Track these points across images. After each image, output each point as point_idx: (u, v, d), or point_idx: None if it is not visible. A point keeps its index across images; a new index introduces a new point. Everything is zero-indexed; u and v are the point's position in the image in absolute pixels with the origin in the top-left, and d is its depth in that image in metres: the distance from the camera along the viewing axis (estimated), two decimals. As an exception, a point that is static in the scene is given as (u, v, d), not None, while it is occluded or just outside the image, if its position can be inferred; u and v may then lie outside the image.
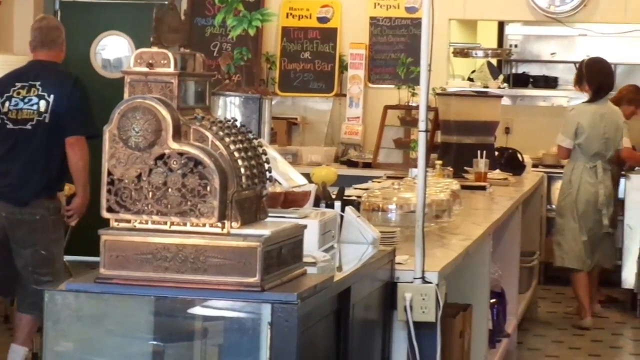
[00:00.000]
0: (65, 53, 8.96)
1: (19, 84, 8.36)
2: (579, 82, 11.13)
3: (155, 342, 4.43)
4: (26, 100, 8.27)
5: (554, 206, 12.77)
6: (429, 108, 5.76)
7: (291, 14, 14.04)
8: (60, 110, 8.32)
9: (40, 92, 8.30)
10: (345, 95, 14.01)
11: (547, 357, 9.66)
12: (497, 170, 10.65)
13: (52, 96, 8.29)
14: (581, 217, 11.26)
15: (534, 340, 10.14)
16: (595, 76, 10.87)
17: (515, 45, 14.45)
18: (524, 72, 14.36)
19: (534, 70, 14.13)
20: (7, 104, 8.29)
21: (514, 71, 14.20)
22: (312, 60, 14.08)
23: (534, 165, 11.81)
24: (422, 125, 5.71)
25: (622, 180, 12.29)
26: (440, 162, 9.76)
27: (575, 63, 12.84)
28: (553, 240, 11.42)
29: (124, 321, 4.43)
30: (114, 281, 4.17)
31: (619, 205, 12.06)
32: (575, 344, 10.21)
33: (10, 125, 8.29)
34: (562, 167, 12.03)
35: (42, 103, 8.27)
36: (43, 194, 8.64)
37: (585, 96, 11.66)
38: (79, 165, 8.43)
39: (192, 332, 4.49)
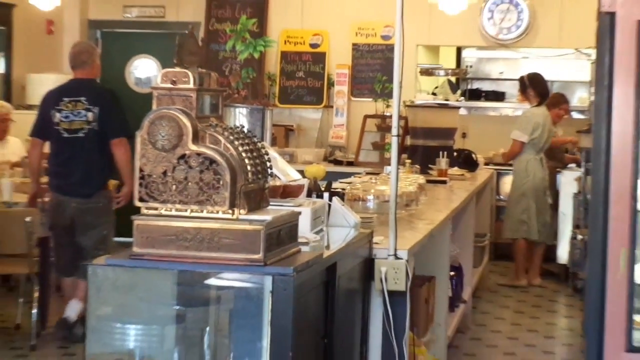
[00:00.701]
0: (100, 70, 9.04)
1: (66, 99, 8.38)
2: (523, 91, 11.18)
3: (177, 307, 4.52)
4: (75, 112, 8.32)
5: (502, 197, 12.89)
6: (400, 117, 5.77)
7: (288, 40, 14.05)
8: (105, 119, 8.37)
9: (86, 106, 8.34)
10: (332, 107, 14.02)
11: (496, 319, 9.71)
12: (456, 168, 10.67)
13: (97, 108, 8.31)
14: (536, 200, 11.42)
15: (485, 306, 10.19)
16: (539, 85, 11.06)
17: (470, 66, 14.52)
18: (477, 88, 14.38)
19: (485, 86, 14.19)
20: (57, 115, 8.31)
21: (469, 87, 14.25)
22: (305, 78, 14.11)
23: (486, 164, 11.83)
24: (394, 131, 5.72)
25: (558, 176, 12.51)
26: (409, 161, 9.79)
27: (519, 79, 12.98)
28: (518, 220, 11.42)
29: (153, 290, 4.50)
30: (144, 257, 4.21)
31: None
32: (519, 308, 10.28)
33: (65, 135, 8.31)
34: (509, 165, 12.10)
35: (90, 114, 8.32)
36: (102, 187, 8.77)
37: (527, 105, 11.84)
38: (124, 160, 8.49)
39: (208, 299, 4.54)
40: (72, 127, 8.34)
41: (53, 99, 8.51)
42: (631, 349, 5.88)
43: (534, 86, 11.24)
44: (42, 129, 8.50)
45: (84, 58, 8.73)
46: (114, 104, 8.82)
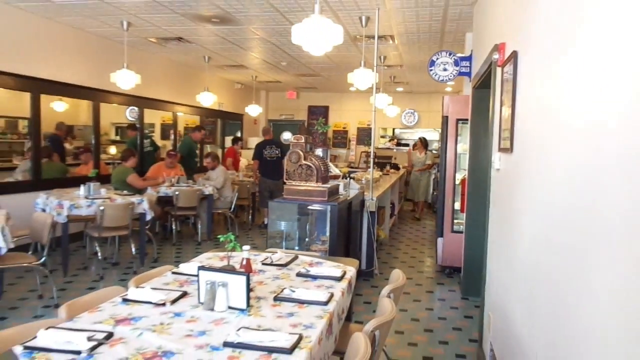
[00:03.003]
0: (271, 135, 8.61)
1: (268, 146, 8.13)
2: (422, 143, 10.51)
3: (298, 216, 4.48)
4: (272, 152, 8.05)
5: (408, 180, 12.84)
6: (374, 152, 5.76)
7: (335, 126, 13.97)
8: (282, 154, 8.01)
9: (276, 150, 8.07)
10: (350, 149, 13.96)
11: (406, 221, 9.59)
12: (392, 169, 10.59)
13: (279, 149, 8.06)
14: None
15: (402, 218, 10.05)
16: (426, 141, 10.41)
17: (394, 134, 14.20)
18: (400, 142, 14.13)
19: (403, 142, 13.88)
20: (265, 152, 8.05)
21: (397, 142, 13.99)
22: (341, 139, 14.03)
23: (403, 167, 11.63)
24: (371, 156, 5.72)
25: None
26: (376, 167, 9.75)
27: (414, 140, 12.68)
28: (427, 193, 10.95)
29: (289, 211, 4.46)
30: (287, 199, 4.24)
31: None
32: (414, 222, 10.10)
33: (268, 158, 8.01)
34: (409, 170, 11.95)
35: (278, 151, 8.03)
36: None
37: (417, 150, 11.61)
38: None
39: (308, 213, 4.47)
40: (271, 156, 8.06)
41: (262, 145, 8.21)
42: (453, 231, 5.84)
43: (426, 142, 10.63)
44: (258, 156, 8.14)
45: (269, 131, 8.49)
46: (285, 148, 8.26)
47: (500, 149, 3.17)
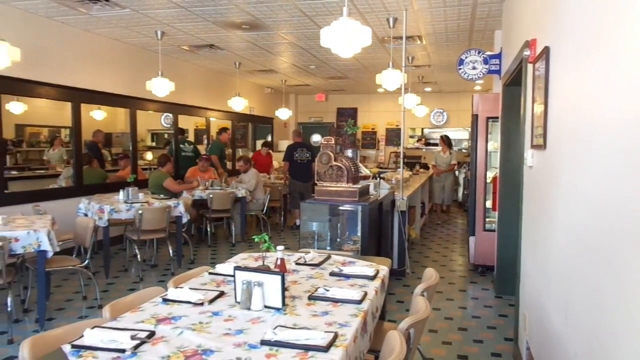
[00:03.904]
0: (302, 138, 8.56)
1: (299, 148, 8.13)
2: (444, 141, 10.33)
3: (329, 216, 4.46)
4: (302, 154, 8.06)
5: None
6: (403, 152, 5.70)
7: (364, 127, 13.89)
8: (312, 157, 8.01)
9: (306, 152, 8.08)
10: (379, 149, 13.88)
11: (436, 222, 9.46)
12: (421, 169, 10.47)
13: (310, 152, 8.07)
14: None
15: (433, 216, 9.91)
16: (448, 140, 10.10)
17: (426, 134, 14.05)
18: (429, 141, 13.93)
19: (431, 141, 13.64)
20: (296, 155, 8.06)
21: (426, 141, 13.80)
22: (370, 140, 13.95)
23: (432, 167, 11.48)
24: (401, 157, 5.67)
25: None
26: (406, 167, 9.66)
27: (439, 137, 12.51)
28: (435, 196, 10.82)
29: (321, 210, 4.44)
30: (319, 200, 4.23)
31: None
32: (445, 222, 9.93)
33: (299, 161, 8.02)
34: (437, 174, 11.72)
35: (309, 154, 8.05)
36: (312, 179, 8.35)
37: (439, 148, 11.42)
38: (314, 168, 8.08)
39: (339, 213, 4.48)
40: (302, 158, 8.08)
41: (293, 148, 8.21)
42: (485, 229, 5.74)
43: (448, 140, 10.48)
44: (289, 158, 8.15)
45: (298, 133, 8.48)
46: (314, 150, 8.19)
47: (533, 146, 3.09)
